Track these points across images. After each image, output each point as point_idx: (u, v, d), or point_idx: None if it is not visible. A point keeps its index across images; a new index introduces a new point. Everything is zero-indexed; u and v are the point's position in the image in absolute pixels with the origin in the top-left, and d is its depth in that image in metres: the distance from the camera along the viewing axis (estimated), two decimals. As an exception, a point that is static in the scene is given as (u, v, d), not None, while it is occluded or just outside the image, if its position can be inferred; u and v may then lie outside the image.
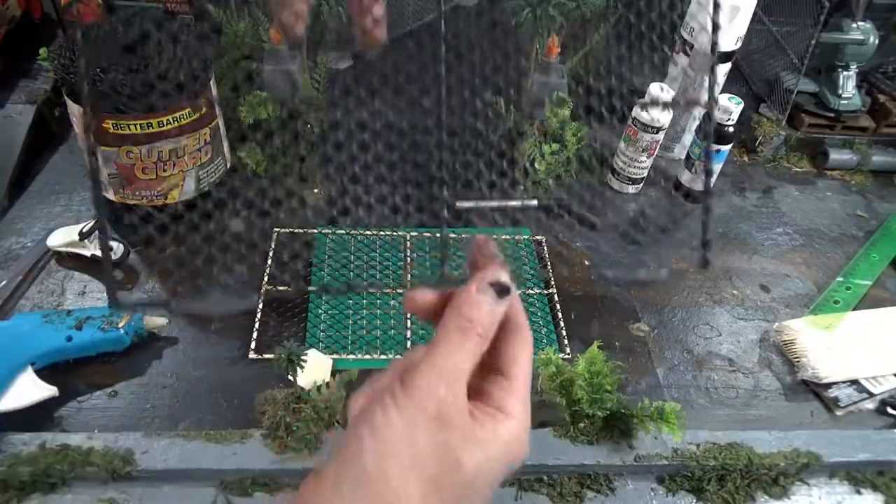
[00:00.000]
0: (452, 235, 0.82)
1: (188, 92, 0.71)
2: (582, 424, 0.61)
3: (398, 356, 0.69)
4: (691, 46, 0.89)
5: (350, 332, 0.71)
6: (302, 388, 0.62)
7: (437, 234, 0.83)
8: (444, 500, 0.28)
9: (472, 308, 0.31)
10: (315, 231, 0.82)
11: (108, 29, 0.72)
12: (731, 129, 0.86)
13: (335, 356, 0.68)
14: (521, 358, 0.32)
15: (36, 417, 0.61)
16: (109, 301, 0.33)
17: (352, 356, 0.69)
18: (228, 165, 0.83)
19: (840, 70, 0.99)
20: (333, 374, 0.66)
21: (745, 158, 1.03)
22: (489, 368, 0.32)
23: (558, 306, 0.76)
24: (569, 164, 0.90)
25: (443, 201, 0.32)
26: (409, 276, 0.78)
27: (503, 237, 0.84)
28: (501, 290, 0.31)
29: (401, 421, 0.28)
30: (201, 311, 0.42)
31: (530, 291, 0.78)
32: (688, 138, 0.96)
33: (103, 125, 0.70)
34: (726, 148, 0.87)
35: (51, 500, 0.56)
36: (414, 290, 0.33)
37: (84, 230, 0.74)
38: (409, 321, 0.73)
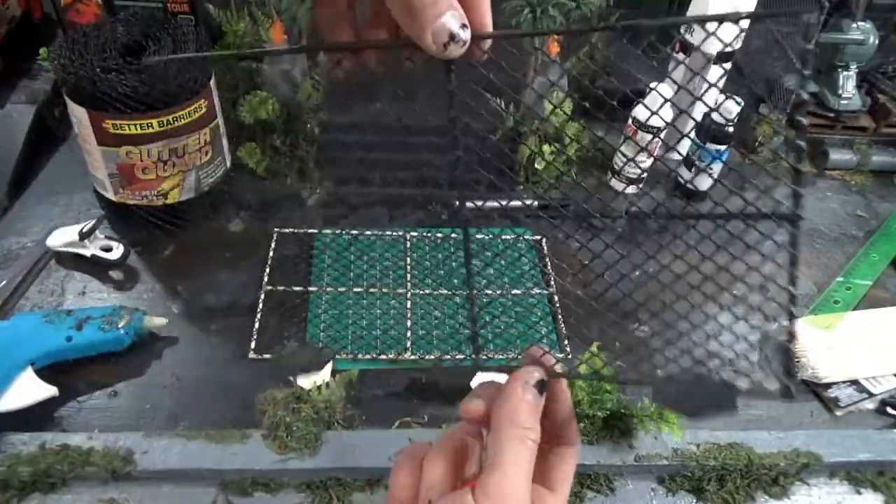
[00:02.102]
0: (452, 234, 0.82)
1: (188, 92, 0.71)
2: (582, 424, 0.61)
3: (398, 357, 0.69)
4: (691, 46, 0.89)
5: (350, 332, 0.71)
6: (302, 388, 0.62)
7: (439, 235, 0.83)
8: None
9: (526, 415, 0.31)
10: (315, 231, 0.82)
11: (108, 29, 0.72)
12: (730, 128, 0.86)
13: (335, 356, 0.68)
14: (569, 474, 0.33)
15: (36, 417, 0.61)
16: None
17: (352, 356, 0.69)
18: (228, 165, 0.83)
19: (840, 70, 0.99)
20: (333, 374, 0.66)
21: (745, 158, 1.03)
22: (535, 476, 0.33)
23: (558, 306, 0.76)
24: (569, 163, 0.90)
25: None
26: (408, 276, 0.78)
27: (503, 237, 0.84)
28: (542, 388, 0.32)
29: None
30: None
31: (530, 291, 0.78)
32: (687, 138, 0.96)
33: (103, 125, 0.70)
34: (726, 148, 0.87)
35: (51, 500, 0.56)
36: (468, 402, 0.34)
37: (84, 230, 0.74)
38: (409, 321, 0.73)
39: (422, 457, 0.33)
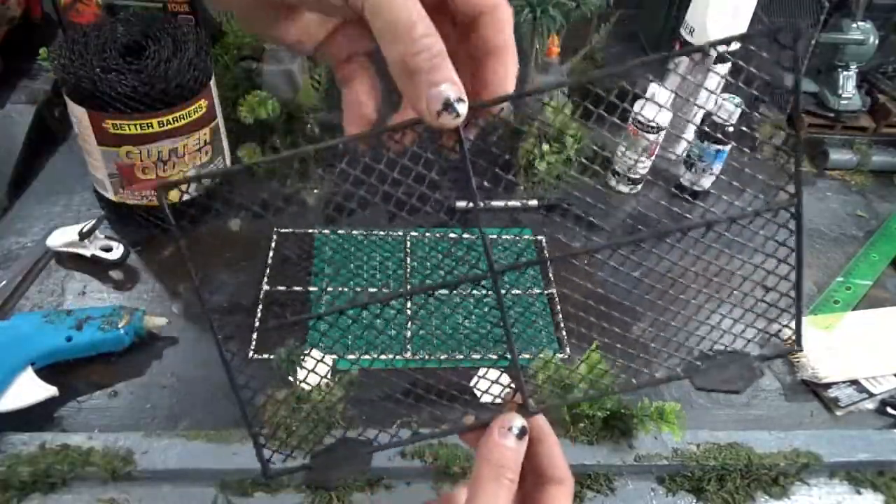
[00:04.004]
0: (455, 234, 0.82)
1: (188, 92, 0.71)
2: (582, 425, 0.61)
3: (398, 356, 0.69)
4: (691, 46, 0.89)
5: (350, 332, 0.71)
6: (302, 388, 0.62)
7: (439, 235, 0.83)
8: None
9: (502, 455, 0.33)
10: (315, 231, 0.82)
11: (108, 29, 0.72)
12: (730, 129, 0.86)
13: (335, 356, 0.68)
14: None
15: (36, 417, 0.61)
16: (264, 473, 0.35)
17: (352, 356, 0.68)
18: (228, 165, 0.83)
19: (840, 70, 0.99)
20: (333, 374, 0.66)
21: (745, 158, 1.03)
22: None
23: (558, 306, 0.76)
24: (569, 164, 0.90)
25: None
26: (408, 276, 0.78)
27: (504, 237, 0.84)
28: (521, 433, 0.34)
29: None
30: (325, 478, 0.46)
31: (530, 291, 0.78)
32: (688, 138, 0.96)
33: (103, 125, 0.70)
34: (726, 148, 0.87)
35: (51, 500, 0.56)
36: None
37: (84, 230, 0.74)
38: (408, 321, 0.73)
39: None
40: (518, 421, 0.34)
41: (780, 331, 0.37)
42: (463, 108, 0.26)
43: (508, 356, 0.35)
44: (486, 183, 0.32)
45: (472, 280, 0.34)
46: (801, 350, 0.36)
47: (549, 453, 0.35)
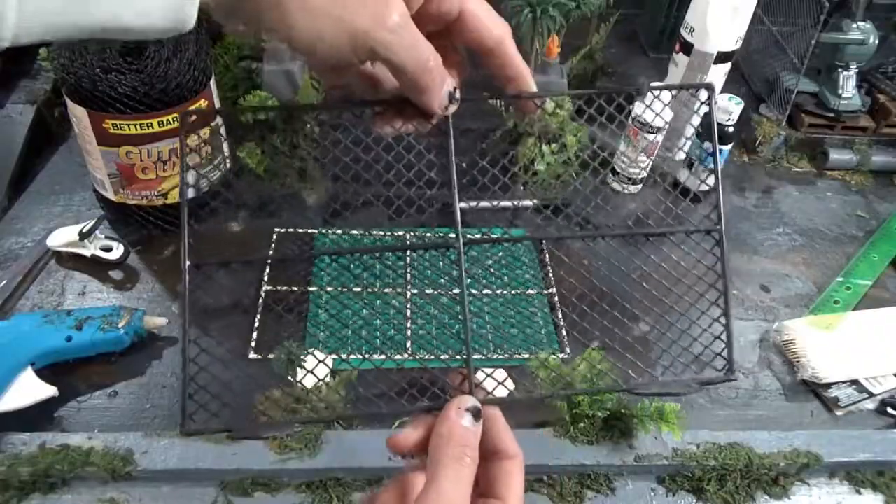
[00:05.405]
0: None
1: (188, 92, 0.71)
2: (582, 425, 0.61)
3: (398, 357, 0.69)
4: (691, 46, 0.89)
5: (350, 332, 0.71)
6: (302, 388, 0.62)
7: (439, 235, 0.83)
8: None
9: (462, 434, 0.33)
10: (315, 231, 0.82)
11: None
12: (730, 129, 0.86)
13: (335, 356, 0.68)
14: (514, 483, 0.35)
15: (36, 417, 0.61)
16: (181, 426, 0.37)
17: (352, 356, 0.69)
18: (228, 165, 0.83)
19: (840, 70, 0.99)
20: (333, 374, 0.66)
21: (745, 158, 1.03)
22: (481, 492, 0.35)
23: (558, 306, 0.76)
24: (569, 164, 0.90)
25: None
26: (408, 276, 0.78)
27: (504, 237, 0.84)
28: (476, 414, 0.34)
29: None
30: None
31: (530, 292, 0.78)
32: (687, 137, 0.96)
33: (103, 125, 0.70)
34: (726, 148, 0.87)
35: (51, 500, 0.56)
36: (396, 435, 0.35)
37: (84, 230, 0.74)
38: (409, 321, 0.73)
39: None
40: (472, 402, 0.34)
41: (714, 358, 0.39)
42: (459, 94, 0.35)
43: (462, 336, 0.37)
44: (474, 173, 0.35)
45: (441, 246, 0.39)
46: (734, 379, 0.37)
47: (499, 431, 0.36)
